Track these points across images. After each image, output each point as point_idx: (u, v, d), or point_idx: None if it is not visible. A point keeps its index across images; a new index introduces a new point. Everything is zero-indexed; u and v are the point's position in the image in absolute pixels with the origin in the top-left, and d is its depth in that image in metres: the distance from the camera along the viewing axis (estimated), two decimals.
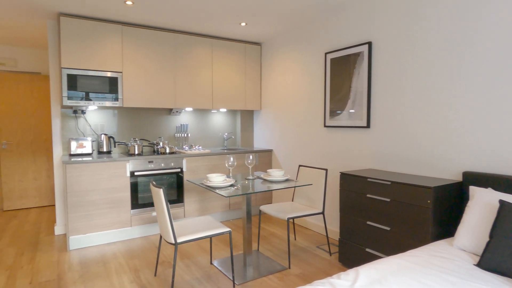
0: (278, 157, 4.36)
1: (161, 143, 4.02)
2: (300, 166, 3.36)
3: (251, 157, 2.91)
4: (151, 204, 3.66)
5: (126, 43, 3.66)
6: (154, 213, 3.68)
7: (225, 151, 4.14)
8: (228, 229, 2.48)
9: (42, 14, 3.43)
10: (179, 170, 3.80)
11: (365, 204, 2.60)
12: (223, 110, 4.57)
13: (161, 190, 2.24)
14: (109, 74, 3.57)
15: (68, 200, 3.21)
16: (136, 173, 3.54)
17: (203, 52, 4.15)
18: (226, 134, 4.70)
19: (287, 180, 2.88)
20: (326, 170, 3.05)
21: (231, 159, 2.82)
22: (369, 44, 3.01)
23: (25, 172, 4.97)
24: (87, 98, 3.46)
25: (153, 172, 3.64)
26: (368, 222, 2.57)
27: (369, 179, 2.56)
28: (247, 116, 4.82)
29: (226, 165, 2.84)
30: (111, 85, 3.58)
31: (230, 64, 4.36)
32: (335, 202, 3.48)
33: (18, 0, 3.05)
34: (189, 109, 4.22)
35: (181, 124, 4.37)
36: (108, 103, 3.57)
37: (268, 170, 2.95)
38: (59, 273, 2.82)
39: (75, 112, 3.77)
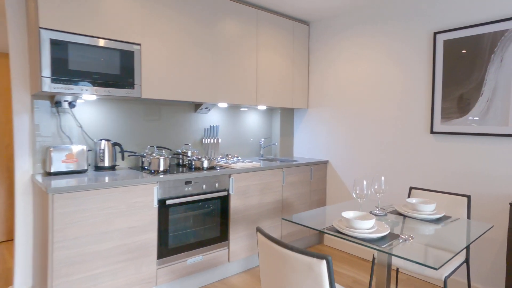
0: (338, 171, 3.33)
1: (189, 153, 2.76)
2: (412, 188, 2.36)
3: (382, 179, 1.84)
4: (186, 248, 2.39)
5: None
6: (189, 260, 2.41)
7: (262, 161, 3.01)
8: None
9: None
10: (225, 193, 2.58)
11: None
12: (262, 107, 3.43)
13: (324, 263, 1.09)
14: (121, 46, 2.24)
15: (54, 255, 1.84)
16: (168, 202, 2.26)
17: (247, 27, 2.98)
18: (262, 140, 3.55)
19: (443, 218, 1.86)
20: (469, 197, 2.10)
21: (364, 183, 1.72)
22: None
23: None
24: (84, 81, 2.11)
25: (192, 198, 2.38)
26: None
27: None
28: (287, 117, 3.71)
29: (354, 194, 1.74)
30: (124, 64, 2.26)
31: (276, 47, 3.23)
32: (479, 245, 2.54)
33: None
34: (223, 105, 3.00)
35: (210, 126, 3.12)
36: (118, 92, 2.24)
37: (409, 201, 1.91)
38: None
39: (57, 104, 2.36)
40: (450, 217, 1.89)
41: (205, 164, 2.58)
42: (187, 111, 3.01)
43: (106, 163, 2.44)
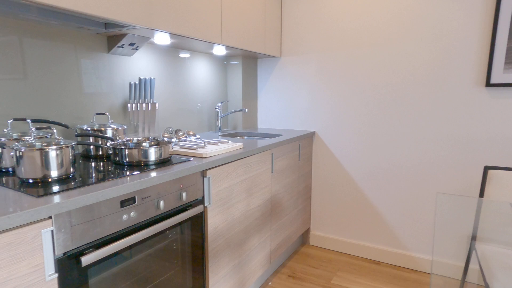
0: (329, 145, 2.38)
1: (109, 131, 1.38)
2: (488, 169, 1.59)
3: None
4: None
5: None
6: None
7: (226, 138, 1.86)
8: None
9: None
10: (199, 208, 1.33)
11: None
12: (220, 51, 2.15)
13: None
14: None
15: None
16: (85, 258, 0.90)
17: None
18: (219, 105, 2.30)
19: None
20: None
21: None
22: None
23: None
24: None
25: (138, 235, 1.07)
26: None
27: None
28: (250, 70, 2.51)
29: None
30: None
31: None
32: None
33: None
34: (162, 38, 1.64)
35: (140, 79, 1.71)
36: None
37: None
38: None
39: None
40: None
41: (153, 154, 1.25)
42: (94, 49, 1.53)
43: None
